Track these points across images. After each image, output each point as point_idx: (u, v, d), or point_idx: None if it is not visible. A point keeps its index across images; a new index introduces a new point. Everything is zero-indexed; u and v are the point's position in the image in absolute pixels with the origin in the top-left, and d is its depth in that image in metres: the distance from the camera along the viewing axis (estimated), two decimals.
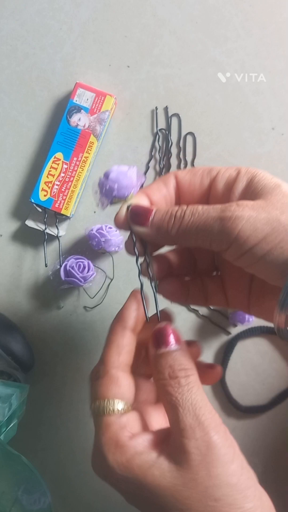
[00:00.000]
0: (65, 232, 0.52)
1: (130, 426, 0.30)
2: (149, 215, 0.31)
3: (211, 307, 0.52)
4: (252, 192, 0.30)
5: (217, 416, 0.29)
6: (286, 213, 0.28)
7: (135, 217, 0.32)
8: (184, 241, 0.31)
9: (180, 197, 0.34)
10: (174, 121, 0.53)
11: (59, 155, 0.50)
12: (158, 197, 0.33)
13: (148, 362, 0.34)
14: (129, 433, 0.29)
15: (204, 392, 0.30)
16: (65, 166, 0.50)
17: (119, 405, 0.30)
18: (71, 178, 0.50)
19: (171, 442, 0.29)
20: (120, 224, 0.33)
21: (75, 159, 0.50)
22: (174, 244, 0.33)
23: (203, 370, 0.34)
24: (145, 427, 0.32)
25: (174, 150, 0.52)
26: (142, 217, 0.31)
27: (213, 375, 0.35)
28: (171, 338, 0.31)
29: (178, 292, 0.35)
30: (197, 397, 0.29)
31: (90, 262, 0.50)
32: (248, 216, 0.28)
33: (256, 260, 0.28)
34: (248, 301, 0.34)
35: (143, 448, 0.28)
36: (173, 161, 0.53)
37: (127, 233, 0.33)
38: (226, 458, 0.28)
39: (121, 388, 0.30)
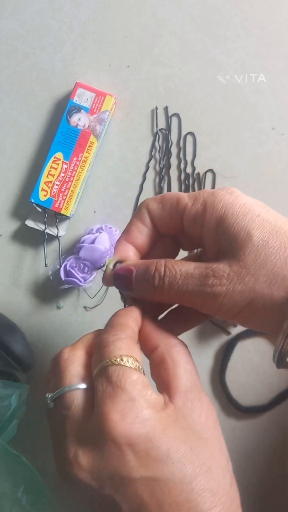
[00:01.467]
0: (65, 232, 0.52)
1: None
2: (132, 282, 0.32)
3: None
4: (225, 239, 0.30)
5: None
6: (261, 279, 0.28)
7: (119, 285, 0.33)
8: (172, 303, 0.33)
9: (157, 227, 0.34)
10: (174, 121, 0.53)
11: (59, 155, 0.50)
12: (141, 239, 0.34)
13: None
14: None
15: None
16: (65, 166, 0.50)
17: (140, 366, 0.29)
18: (71, 178, 0.50)
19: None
20: (109, 285, 0.34)
21: (75, 159, 0.50)
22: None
23: None
24: None
25: (174, 150, 0.52)
26: (125, 284, 0.33)
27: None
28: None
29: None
30: None
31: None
32: (225, 290, 0.28)
33: (244, 321, 0.30)
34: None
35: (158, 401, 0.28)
36: (173, 161, 0.53)
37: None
38: None
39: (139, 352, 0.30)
